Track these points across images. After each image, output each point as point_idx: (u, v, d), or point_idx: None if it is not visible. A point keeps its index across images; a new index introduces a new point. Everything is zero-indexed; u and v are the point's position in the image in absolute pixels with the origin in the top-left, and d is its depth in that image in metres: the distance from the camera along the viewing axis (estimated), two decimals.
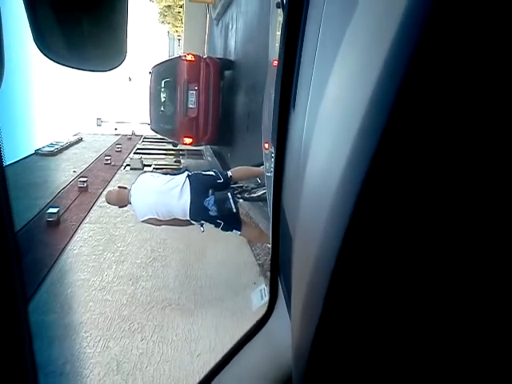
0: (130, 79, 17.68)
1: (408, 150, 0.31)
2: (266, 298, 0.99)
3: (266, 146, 2.51)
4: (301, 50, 0.73)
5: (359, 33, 0.39)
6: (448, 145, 0.31)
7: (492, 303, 0.36)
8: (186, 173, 3.57)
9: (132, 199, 3.49)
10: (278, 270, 0.96)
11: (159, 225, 3.64)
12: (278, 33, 1.89)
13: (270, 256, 3.29)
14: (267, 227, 4.62)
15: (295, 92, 0.75)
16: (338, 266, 0.37)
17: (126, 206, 3.63)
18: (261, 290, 2.63)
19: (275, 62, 2.39)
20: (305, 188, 0.53)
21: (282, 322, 0.85)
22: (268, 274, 3.98)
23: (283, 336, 0.82)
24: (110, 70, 0.66)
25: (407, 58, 0.29)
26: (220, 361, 0.95)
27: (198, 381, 1.05)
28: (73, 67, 0.63)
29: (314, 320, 0.43)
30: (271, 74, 2.41)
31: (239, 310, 3.56)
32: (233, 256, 4.59)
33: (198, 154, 11.76)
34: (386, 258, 0.36)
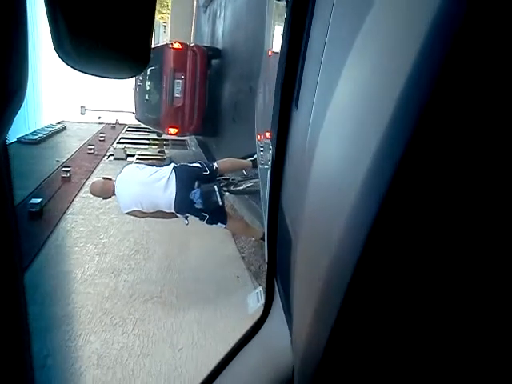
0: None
1: (439, 157, 0.30)
2: (262, 301, 0.97)
3: (259, 137, 2.48)
4: (306, 46, 0.70)
5: (381, 28, 0.37)
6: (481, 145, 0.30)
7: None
8: (172, 164, 3.54)
9: (117, 190, 3.45)
10: (274, 272, 0.95)
11: (143, 217, 3.62)
12: (277, 24, 1.86)
13: (253, 249, 3.30)
14: (252, 220, 4.62)
15: (298, 90, 0.72)
16: (357, 273, 0.36)
17: (110, 197, 3.59)
18: (257, 293, 2.62)
19: (270, 52, 2.36)
20: (311, 191, 0.52)
21: (279, 324, 0.83)
22: (251, 267, 3.99)
23: (280, 339, 0.81)
24: (131, 76, 0.64)
25: (442, 54, 0.28)
26: (215, 367, 0.93)
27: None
28: (94, 75, 0.60)
29: (327, 327, 0.42)
30: (266, 64, 2.38)
31: (222, 303, 3.56)
32: (216, 249, 4.57)
33: (183, 145, 11.66)
34: (412, 267, 0.35)
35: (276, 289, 0.94)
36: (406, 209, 0.33)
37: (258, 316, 0.99)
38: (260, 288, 2.87)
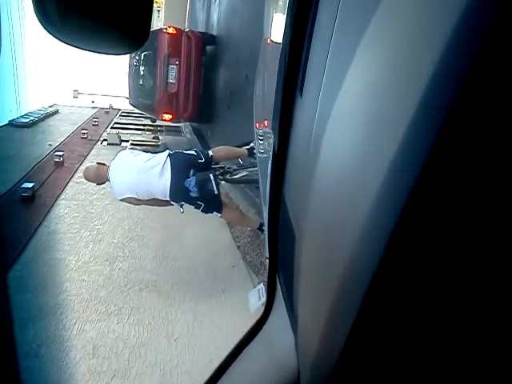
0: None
1: (468, 157, 0.28)
2: (264, 299, 0.95)
3: (257, 125, 2.44)
4: (311, 31, 0.66)
5: (403, 10, 0.34)
6: None
7: None
8: (167, 151, 3.49)
9: (111, 176, 3.40)
10: (276, 268, 0.92)
11: (138, 204, 3.58)
12: (277, 10, 1.81)
13: (249, 239, 3.29)
14: (248, 209, 4.60)
15: (303, 78, 0.69)
16: (378, 275, 0.34)
17: (104, 183, 3.55)
18: (259, 290, 2.60)
19: (269, 40, 2.31)
20: (318, 185, 0.49)
21: (282, 323, 0.81)
22: (247, 257, 3.98)
23: (284, 339, 0.78)
24: (128, 52, 0.59)
25: (475, 42, 0.25)
26: (217, 368, 0.91)
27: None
28: (84, 49, 0.54)
29: (342, 334, 0.40)
30: (265, 51, 2.33)
31: (217, 292, 3.55)
32: (212, 238, 4.55)
33: (177, 131, 11.57)
34: (439, 265, 0.33)
35: (278, 285, 0.91)
36: (434, 210, 0.30)
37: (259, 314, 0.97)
38: (261, 285, 2.85)
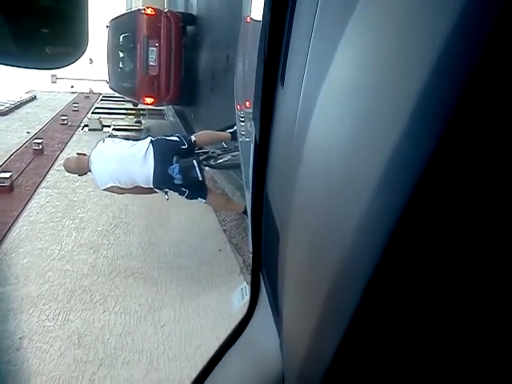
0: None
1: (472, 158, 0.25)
2: (247, 297, 0.90)
3: (239, 107, 2.38)
4: (292, 14, 0.60)
5: None
6: None
7: None
8: (149, 138, 3.42)
9: (92, 167, 3.34)
10: (260, 265, 0.88)
11: (121, 193, 3.54)
12: None
13: (235, 222, 3.26)
14: (233, 192, 4.55)
15: (284, 66, 0.63)
16: (375, 279, 0.31)
17: (86, 173, 3.48)
18: (241, 289, 2.58)
19: (248, 19, 2.23)
20: (301, 181, 0.46)
21: (266, 323, 0.77)
22: (233, 240, 3.95)
23: (268, 340, 0.74)
24: (68, 65, 0.54)
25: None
26: (199, 373, 0.87)
27: None
28: (23, 67, 0.49)
29: (335, 335, 0.37)
30: (245, 31, 2.25)
31: (204, 277, 3.53)
32: (197, 222, 4.51)
33: (160, 114, 11.40)
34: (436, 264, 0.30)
35: (262, 283, 0.87)
36: (433, 218, 0.27)
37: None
38: (245, 283, 2.83)
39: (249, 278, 2.78)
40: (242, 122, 2.22)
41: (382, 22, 0.31)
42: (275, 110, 0.69)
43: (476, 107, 0.23)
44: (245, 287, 2.62)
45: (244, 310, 0.89)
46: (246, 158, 1.42)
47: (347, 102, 0.36)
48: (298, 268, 0.50)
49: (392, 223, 0.28)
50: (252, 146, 0.83)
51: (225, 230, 4.31)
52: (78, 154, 3.52)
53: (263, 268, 0.85)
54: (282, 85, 0.64)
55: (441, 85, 0.24)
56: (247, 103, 1.94)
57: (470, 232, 0.27)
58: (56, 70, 14.98)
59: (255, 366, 0.78)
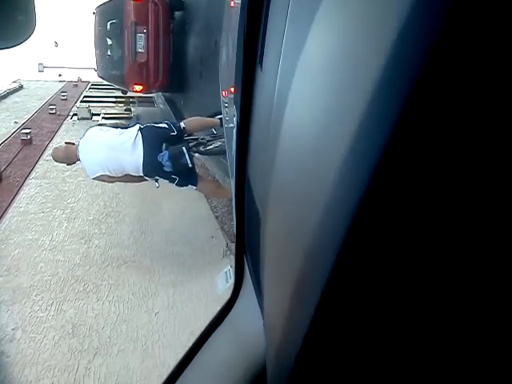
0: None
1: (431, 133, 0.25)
2: (232, 280, 0.90)
3: (224, 93, 2.36)
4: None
5: None
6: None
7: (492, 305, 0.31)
8: (138, 126, 3.39)
9: (81, 156, 3.31)
10: (243, 248, 0.87)
11: (111, 181, 3.52)
12: None
13: (226, 208, 3.26)
14: (224, 179, 4.54)
15: (262, 48, 0.62)
16: (340, 258, 0.31)
17: (74, 162, 3.45)
18: (225, 272, 2.57)
19: (232, 3, 2.19)
20: (278, 163, 0.46)
21: (251, 306, 0.77)
22: (225, 227, 3.96)
23: (252, 323, 0.75)
24: (16, 45, 0.52)
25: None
26: (183, 357, 0.87)
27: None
28: None
29: (308, 313, 0.37)
30: (228, 15, 2.22)
31: (197, 264, 3.54)
32: (189, 209, 4.50)
33: (150, 102, 11.28)
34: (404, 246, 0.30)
35: (246, 266, 0.87)
36: (397, 193, 0.28)
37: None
38: (229, 267, 2.83)
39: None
40: (227, 107, 2.20)
41: (348, 4, 0.30)
42: (254, 94, 0.68)
43: (427, 100, 0.24)
44: (229, 270, 2.62)
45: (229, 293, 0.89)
46: (230, 143, 1.42)
47: (317, 85, 0.36)
48: (275, 250, 0.51)
49: (353, 208, 0.28)
50: (234, 131, 0.82)
51: (217, 217, 4.31)
52: (66, 143, 3.49)
53: (247, 251, 0.85)
54: (261, 66, 0.63)
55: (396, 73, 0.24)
56: (232, 89, 1.93)
57: (425, 215, 0.28)
58: (43, 59, 14.74)
59: (240, 348, 0.78)
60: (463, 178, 0.26)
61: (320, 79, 0.35)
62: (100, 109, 10.25)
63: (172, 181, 3.33)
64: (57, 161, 3.58)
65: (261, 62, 0.63)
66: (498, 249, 0.28)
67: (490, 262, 0.29)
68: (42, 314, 2.94)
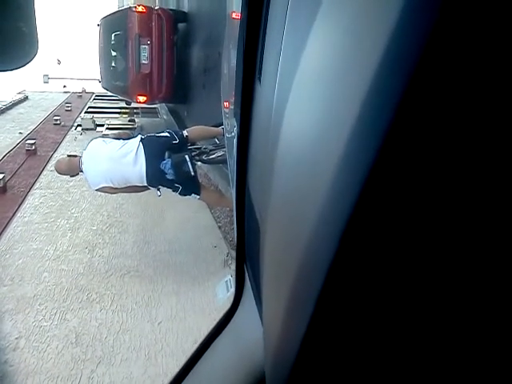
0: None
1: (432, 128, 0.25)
2: (232, 289, 0.91)
3: (226, 104, 2.39)
4: (267, 9, 0.61)
5: None
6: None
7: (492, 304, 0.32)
8: (139, 136, 3.42)
9: (84, 167, 3.35)
10: (244, 258, 0.89)
11: (114, 193, 3.54)
12: None
13: (229, 218, 3.27)
14: (226, 188, 4.56)
15: (261, 62, 0.64)
16: (335, 266, 0.32)
17: (77, 174, 3.49)
18: (226, 282, 2.58)
19: (234, 15, 2.22)
20: (277, 174, 0.47)
21: (251, 315, 0.78)
22: (228, 236, 3.96)
23: (253, 331, 0.75)
24: (19, 67, 0.54)
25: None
26: (185, 364, 0.88)
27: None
28: None
29: (303, 322, 0.38)
30: (230, 27, 2.25)
31: (200, 274, 3.54)
32: (192, 219, 4.51)
33: (153, 113, 11.36)
34: (399, 256, 0.31)
35: (246, 276, 0.88)
36: (390, 200, 0.28)
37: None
38: (229, 276, 2.83)
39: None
40: (228, 118, 2.22)
41: (343, 17, 0.32)
42: (254, 106, 0.70)
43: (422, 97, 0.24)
44: (229, 280, 2.63)
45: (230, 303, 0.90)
46: (231, 153, 1.44)
47: (313, 98, 0.37)
48: (274, 259, 0.52)
49: (350, 220, 0.29)
50: (235, 141, 0.84)
51: (220, 227, 4.32)
52: (68, 155, 3.54)
53: (247, 261, 0.86)
54: (260, 80, 0.64)
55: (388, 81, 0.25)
56: (233, 100, 1.95)
57: (422, 219, 0.28)
58: (48, 70, 14.88)
59: (240, 356, 0.79)
60: (458, 177, 0.27)
61: (315, 93, 0.37)
62: (104, 120, 10.32)
63: (175, 190, 3.34)
64: (60, 173, 3.62)
65: (259, 77, 0.65)
66: (494, 247, 0.29)
67: (488, 260, 0.29)
68: (45, 324, 2.94)
